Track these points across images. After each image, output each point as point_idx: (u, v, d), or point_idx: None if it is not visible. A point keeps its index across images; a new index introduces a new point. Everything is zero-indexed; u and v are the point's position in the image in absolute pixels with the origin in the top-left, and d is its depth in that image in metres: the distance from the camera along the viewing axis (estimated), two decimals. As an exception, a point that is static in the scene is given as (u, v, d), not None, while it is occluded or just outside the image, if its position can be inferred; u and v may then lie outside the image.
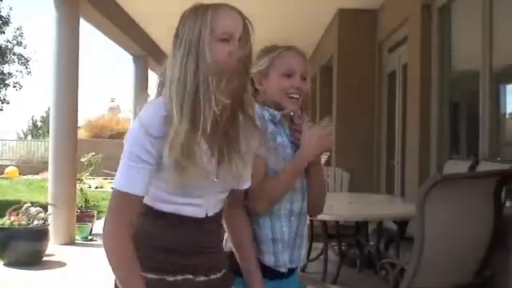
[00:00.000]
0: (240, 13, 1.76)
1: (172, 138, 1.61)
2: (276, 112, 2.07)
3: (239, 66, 1.70)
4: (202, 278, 1.78)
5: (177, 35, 1.72)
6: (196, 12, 1.71)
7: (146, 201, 1.71)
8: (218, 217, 1.85)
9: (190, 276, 1.76)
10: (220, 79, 1.65)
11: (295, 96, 2.07)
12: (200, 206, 1.75)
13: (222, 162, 1.74)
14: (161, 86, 1.76)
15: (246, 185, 1.92)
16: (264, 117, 2.02)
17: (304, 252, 2.19)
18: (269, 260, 2.03)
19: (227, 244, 2.05)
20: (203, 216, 1.76)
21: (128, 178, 1.65)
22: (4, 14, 26.37)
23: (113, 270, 1.64)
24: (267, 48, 2.16)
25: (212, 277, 1.81)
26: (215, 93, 1.64)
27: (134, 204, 1.66)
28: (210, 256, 1.81)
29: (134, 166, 1.64)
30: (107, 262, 1.64)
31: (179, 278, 1.74)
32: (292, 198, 2.07)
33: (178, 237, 1.74)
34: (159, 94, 1.75)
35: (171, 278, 1.73)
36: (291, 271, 2.11)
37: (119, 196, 1.65)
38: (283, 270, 2.06)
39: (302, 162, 2.05)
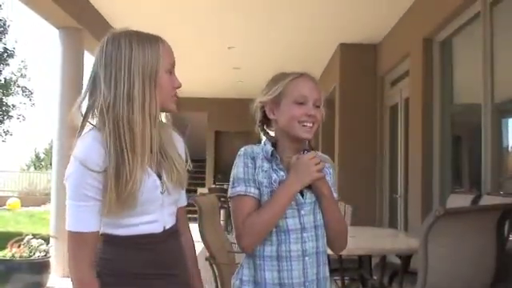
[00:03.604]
0: None
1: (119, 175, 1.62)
2: (268, 148, 2.00)
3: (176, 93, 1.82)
4: None
5: (114, 61, 1.69)
6: (141, 42, 1.73)
7: (103, 229, 1.72)
8: (175, 232, 1.86)
9: None
10: (164, 103, 1.76)
11: (308, 124, 1.98)
12: (156, 221, 1.77)
13: (162, 174, 1.78)
14: (91, 112, 1.72)
15: (182, 202, 1.97)
16: (259, 156, 1.98)
17: None
18: None
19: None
20: (161, 230, 1.78)
21: (78, 217, 1.67)
22: (9, 46, 26.69)
23: None
24: (277, 76, 2.06)
25: None
26: (157, 117, 1.73)
27: (89, 240, 1.69)
28: (171, 279, 1.81)
29: (81, 205, 1.65)
30: None
31: None
32: (302, 237, 1.95)
33: (139, 259, 1.74)
34: (86, 121, 1.74)
35: None
36: None
37: (74, 237, 1.69)
38: None
39: (286, 191, 1.92)
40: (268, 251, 1.94)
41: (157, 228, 1.77)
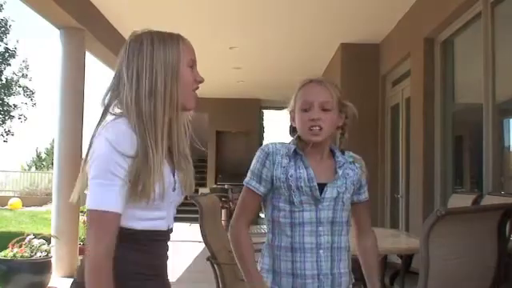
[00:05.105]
0: None
1: (149, 166, 1.65)
2: (291, 146, 2.12)
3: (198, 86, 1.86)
4: None
5: (137, 59, 1.75)
6: (162, 41, 1.79)
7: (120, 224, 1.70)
8: (170, 234, 1.87)
9: None
10: (185, 99, 1.80)
11: (315, 128, 2.09)
12: (164, 218, 1.78)
13: (176, 173, 1.81)
14: (115, 106, 1.76)
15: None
16: (280, 152, 2.10)
17: None
18: None
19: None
20: (166, 228, 1.80)
21: (104, 196, 1.62)
22: (11, 46, 26.71)
23: None
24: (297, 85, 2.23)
25: None
26: (179, 113, 1.78)
27: (112, 221, 1.63)
28: (166, 281, 1.86)
29: (107, 184, 1.62)
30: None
31: None
32: (318, 231, 2.06)
33: (151, 258, 1.76)
34: (107, 112, 1.77)
35: None
36: None
37: (97, 215, 1.62)
38: None
39: (247, 276, 2.07)
40: (284, 242, 2.06)
41: (164, 226, 1.79)
